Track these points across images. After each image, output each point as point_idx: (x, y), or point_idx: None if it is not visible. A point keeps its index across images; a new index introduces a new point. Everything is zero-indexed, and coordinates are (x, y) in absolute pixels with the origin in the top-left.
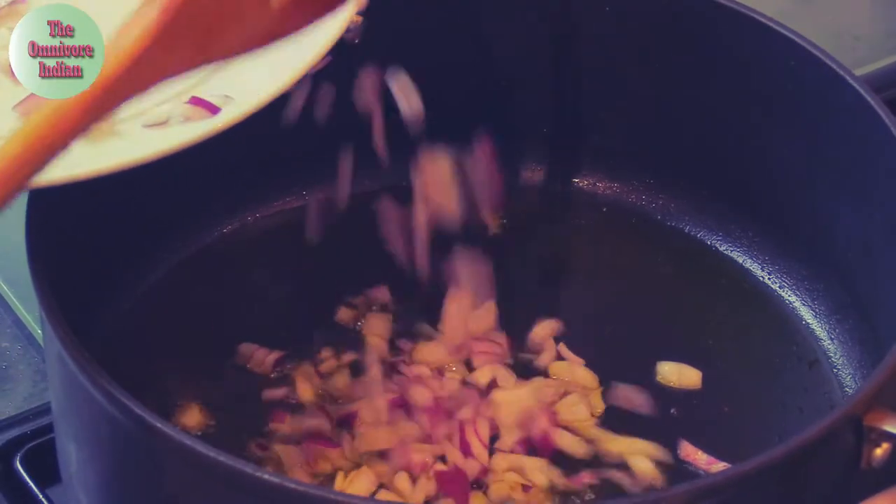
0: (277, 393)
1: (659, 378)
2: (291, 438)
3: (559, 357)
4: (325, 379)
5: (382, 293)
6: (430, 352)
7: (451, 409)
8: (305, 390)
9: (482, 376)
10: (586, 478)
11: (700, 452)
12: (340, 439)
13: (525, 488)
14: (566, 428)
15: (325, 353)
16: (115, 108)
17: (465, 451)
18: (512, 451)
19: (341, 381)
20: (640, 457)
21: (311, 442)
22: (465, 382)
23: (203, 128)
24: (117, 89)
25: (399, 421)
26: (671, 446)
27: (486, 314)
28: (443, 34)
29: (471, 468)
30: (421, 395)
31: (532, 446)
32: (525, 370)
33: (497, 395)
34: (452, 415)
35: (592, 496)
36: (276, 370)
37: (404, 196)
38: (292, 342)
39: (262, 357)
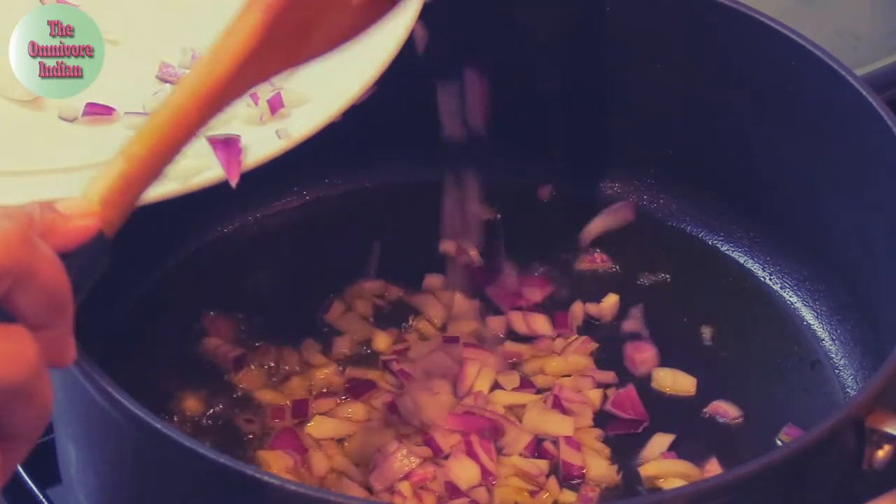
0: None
1: (654, 384)
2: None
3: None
4: (311, 377)
5: (377, 289)
6: (425, 351)
7: (455, 417)
8: (263, 392)
9: (482, 384)
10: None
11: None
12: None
13: (531, 493)
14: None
15: (311, 347)
16: (224, 108)
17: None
18: (521, 455)
19: (332, 380)
20: (674, 479)
21: (284, 445)
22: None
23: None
24: (227, 90)
25: (395, 426)
26: (673, 448)
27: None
28: (442, 38)
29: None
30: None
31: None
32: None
33: (504, 397)
34: (457, 423)
35: (594, 498)
36: (235, 366)
37: (403, 195)
38: (289, 340)
39: (224, 353)
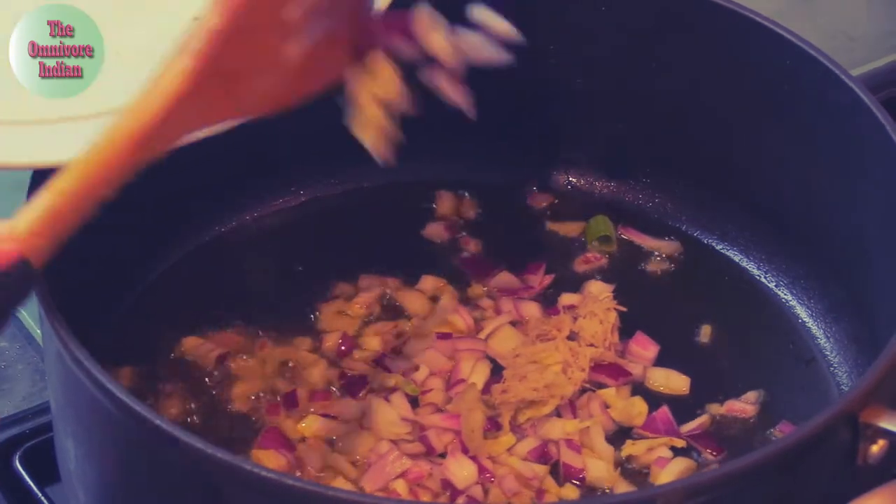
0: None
1: (647, 383)
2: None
3: None
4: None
5: (373, 288)
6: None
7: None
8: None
9: (477, 376)
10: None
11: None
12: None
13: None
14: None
15: (306, 345)
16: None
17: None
18: (524, 460)
19: (326, 377)
20: (671, 476)
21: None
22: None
23: None
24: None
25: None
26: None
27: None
28: None
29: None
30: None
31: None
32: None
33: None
34: (455, 420)
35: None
36: (218, 366)
37: (401, 195)
38: (285, 338)
39: (206, 352)
